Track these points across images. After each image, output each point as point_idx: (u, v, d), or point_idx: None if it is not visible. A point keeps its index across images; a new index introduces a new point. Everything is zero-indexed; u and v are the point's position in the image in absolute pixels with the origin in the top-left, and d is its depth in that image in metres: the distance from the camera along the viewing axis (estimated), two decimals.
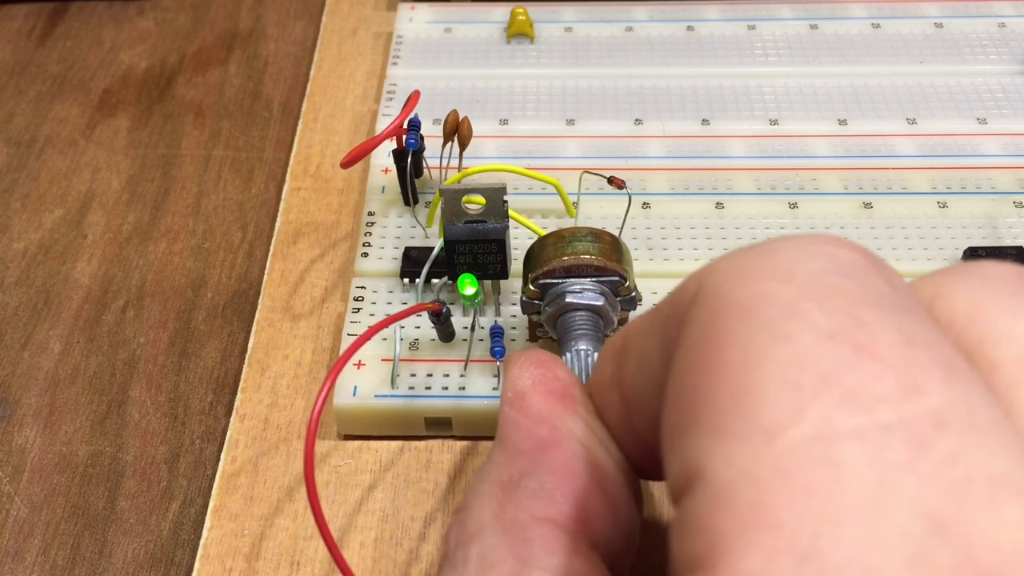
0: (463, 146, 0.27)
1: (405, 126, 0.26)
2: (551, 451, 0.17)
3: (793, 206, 0.28)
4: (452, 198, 0.23)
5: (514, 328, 0.25)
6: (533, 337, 0.24)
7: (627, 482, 0.17)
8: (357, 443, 0.24)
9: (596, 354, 0.22)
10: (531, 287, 0.23)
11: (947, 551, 0.10)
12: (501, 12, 0.34)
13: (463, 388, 0.24)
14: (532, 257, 0.23)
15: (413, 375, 0.24)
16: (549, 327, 0.23)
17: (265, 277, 0.28)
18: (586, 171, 0.27)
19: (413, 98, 0.27)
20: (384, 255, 0.27)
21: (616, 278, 0.23)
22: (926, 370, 0.12)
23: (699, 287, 0.14)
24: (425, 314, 0.24)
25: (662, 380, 0.14)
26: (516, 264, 0.25)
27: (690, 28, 0.34)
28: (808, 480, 0.11)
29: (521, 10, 0.33)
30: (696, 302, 0.14)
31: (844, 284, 0.13)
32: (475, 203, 0.24)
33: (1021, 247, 0.26)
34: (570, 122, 0.31)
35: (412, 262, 0.26)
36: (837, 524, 0.10)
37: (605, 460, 0.17)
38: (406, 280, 0.26)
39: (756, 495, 0.11)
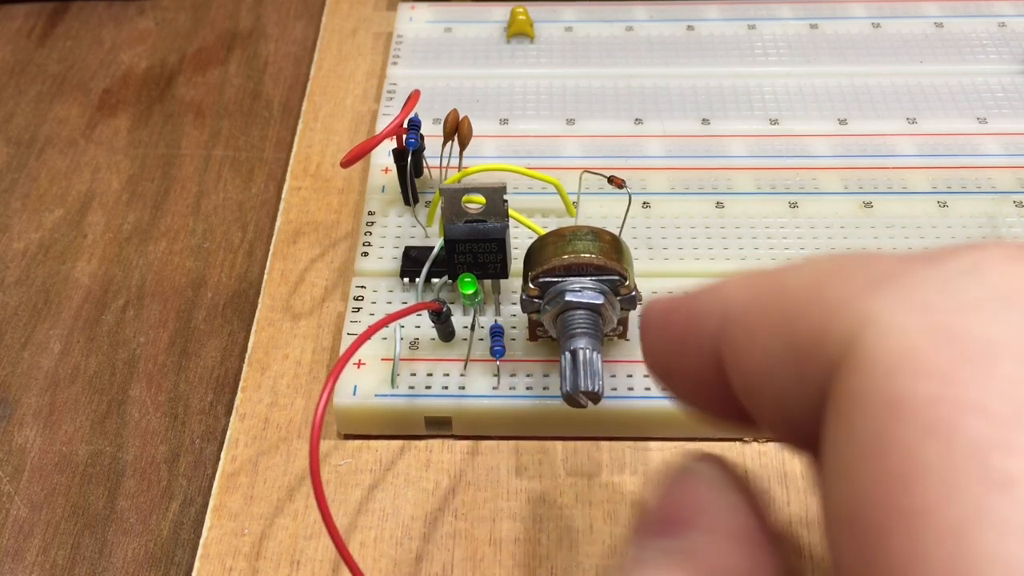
0: (463, 146, 0.27)
1: (405, 126, 0.26)
2: None
3: (793, 205, 0.28)
4: (452, 198, 0.23)
5: (514, 328, 0.25)
6: (533, 336, 0.24)
7: None
8: (357, 443, 0.24)
9: (595, 353, 0.22)
10: (531, 286, 0.23)
11: None
12: (501, 12, 0.34)
13: (463, 388, 0.24)
14: (532, 256, 0.23)
15: (413, 375, 0.24)
16: (549, 326, 0.23)
17: (265, 277, 0.28)
18: (586, 170, 0.27)
19: (413, 98, 0.27)
20: (384, 255, 0.27)
21: (616, 277, 0.23)
22: None
23: (852, 343, 0.11)
24: (425, 313, 0.24)
25: (795, 403, 0.12)
26: (516, 263, 0.25)
27: (690, 28, 0.34)
28: None
29: (521, 10, 0.33)
30: (855, 374, 0.11)
31: None
32: (475, 203, 0.24)
33: None
34: (570, 122, 0.31)
35: (412, 262, 0.26)
36: None
37: None
38: (406, 280, 0.26)
39: None
